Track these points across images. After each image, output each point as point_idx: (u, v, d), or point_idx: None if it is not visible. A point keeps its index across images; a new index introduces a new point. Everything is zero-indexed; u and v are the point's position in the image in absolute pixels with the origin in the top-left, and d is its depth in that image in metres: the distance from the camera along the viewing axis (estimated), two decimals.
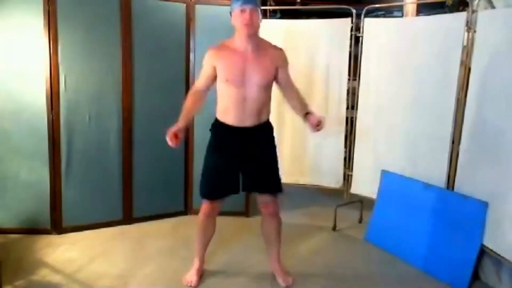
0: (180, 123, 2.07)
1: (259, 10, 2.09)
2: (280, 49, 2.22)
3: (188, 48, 3.13)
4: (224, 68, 2.10)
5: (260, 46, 2.14)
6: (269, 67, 2.14)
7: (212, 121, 2.24)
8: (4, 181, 2.74)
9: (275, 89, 2.26)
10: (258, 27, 2.10)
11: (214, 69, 2.12)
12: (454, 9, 4.06)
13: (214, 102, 3.33)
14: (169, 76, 3.10)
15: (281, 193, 2.27)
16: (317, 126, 2.09)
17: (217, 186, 2.22)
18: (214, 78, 2.15)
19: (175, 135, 2.03)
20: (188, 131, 3.19)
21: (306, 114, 2.16)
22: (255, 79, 2.09)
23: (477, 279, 2.40)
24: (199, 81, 2.20)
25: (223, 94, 2.14)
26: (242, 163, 2.19)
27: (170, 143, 2.03)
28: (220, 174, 2.20)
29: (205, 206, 2.25)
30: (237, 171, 2.19)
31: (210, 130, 2.24)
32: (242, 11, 2.02)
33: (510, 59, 2.16)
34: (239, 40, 2.10)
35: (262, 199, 2.26)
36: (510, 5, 2.33)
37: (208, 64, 2.14)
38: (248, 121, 2.13)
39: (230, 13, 2.10)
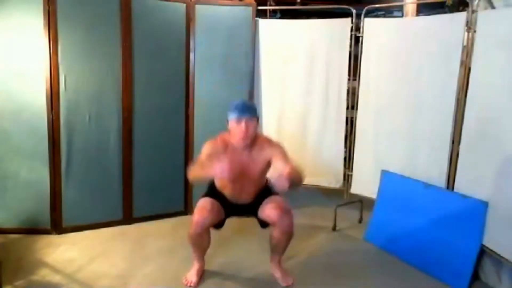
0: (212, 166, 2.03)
1: (256, 119, 2.16)
2: (276, 144, 2.23)
3: (188, 48, 3.13)
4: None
5: (256, 144, 2.19)
6: (263, 164, 2.20)
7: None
8: (4, 181, 2.74)
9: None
10: (254, 134, 2.16)
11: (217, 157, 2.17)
12: (454, 9, 4.06)
13: (214, 101, 3.33)
14: (169, 76, 3.10)
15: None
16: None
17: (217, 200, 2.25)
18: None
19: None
20: (188, 131, 3.20)
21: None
22: (250, 175, 2.20)
23: (477, 279, 2.40)
24: (203, 159, 2.15)
25: (221, 180, 2.24)
26: (240, 213, 2.34)
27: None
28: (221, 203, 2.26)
29: (198, 215, 2.15)
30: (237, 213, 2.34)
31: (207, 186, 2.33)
32: (238, 122, 2.08)
33: (510, 59, 2.16)
34: (235, 142, 2.16)
35: (272, 213, 2.20)
36: (510, 5, 2.33)
37: (207, 156, 2.15)
38: (244, 199, 2.26)
39: (227, 120, 2.15)
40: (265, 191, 2.28)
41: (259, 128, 2.28)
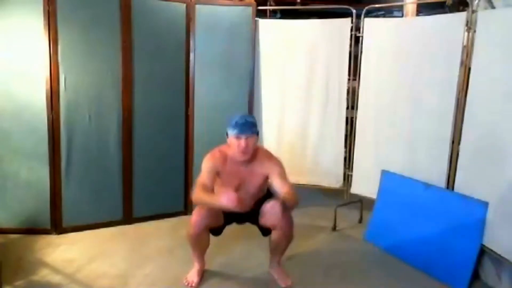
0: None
1: (256, 135, 2.16)
2: (276, 161, 2.23)
3: (188, 48, 3.13)
4: (223, 178, 2.20)
5: (255, 159, 2.20)
6: (262, 178, 2.22)
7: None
8: (4, 181, 2.74)
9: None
10: (253, 150, 2.17)
11: (217, 173, 2.19)
12: (454, 9, 4.06)
13: (214, 101, 3.34)
14: (169, 76, 3.09)
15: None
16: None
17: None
18: (218, 175, 2.21)
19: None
20: (188, 131, 3.20)
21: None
22: (248, 189, 2.21)
23: (477, 279, 2.40)
24: (207, 182, 2.14)
25: (221, 190, 2.21)
26: (240, 220, 2.34)
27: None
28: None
29: (196, 216, 2.15)
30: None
31: None
32: (238, 139, 2.09)
33: (510, 59, 2.16)
34: (234, 157, 2.17)
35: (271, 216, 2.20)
36: (510, 5, 2.32)
37: (212, 168, 2.18)
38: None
39: (227, 133, 2.15)
40: (264, 199, 2.26)
41: (259, 141, 2.28)
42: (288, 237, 2.21)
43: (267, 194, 2.29)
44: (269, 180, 2.21)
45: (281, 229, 2.16)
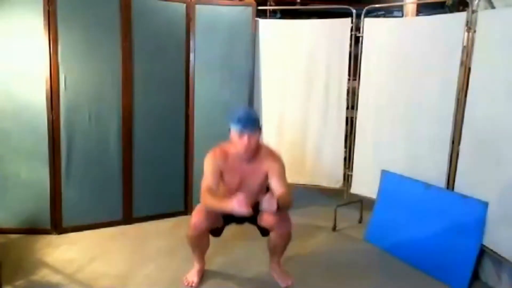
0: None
1: (259, 132, 2.15)
2: (277, 159, 2.22)
3: (188, 48, 3.13)
4: (225, 176, 2.19)
5: (257, 156, 2.19)
6: (263, 175, 2.20)
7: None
8: (4, 181, 2.74)
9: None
10: (256, 147, 2.15)
11: (220, 171, 2.18)
12: (454, 9, 4.07)
13: (214, 101, 3.34)
14: (169, 76, 3.09)
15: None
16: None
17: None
18: (221, 174, 2.20)
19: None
20: (188, 131, 3.20)
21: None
22: (250, 187, 2.19)
23: (477, 279, 2.40)
24: (211, 182, 2.14)
25: (222, 188, 2.21)
26: (239, 220, 2.30)
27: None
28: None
29: (196, 217, 2.15)
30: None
31: None
32: (241, 135, 2.07)
33: (510, 59, 2.16)
34: (237, 152, 2.15)
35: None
36: (510, 5, 2.33)
37: (215, 165, 2.17)
38: None
39: (229, 128, 2.13)
40: None
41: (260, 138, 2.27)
42: (285, 237, 2.21)
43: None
44: (268, 179, 2.20)
45: (278, 230, 2.16)
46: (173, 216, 3.21)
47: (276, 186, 2.15)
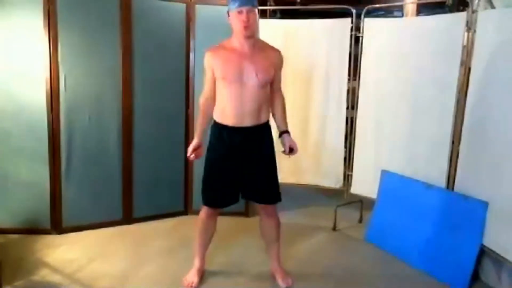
0: (198, 138, 2.17)
1: (257, 10, 2.08)
2: (278, 50, 2.21)
3: (188, 48, 3.13)
4: (221, 66, 2.09)
5: (257, 46, 2.15)
6: (267, 66, 2.12)
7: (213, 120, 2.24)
8: (4, 181, 2.74)
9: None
10: (256, 27, 2.11)
11: (213, 71, 2.12)
12: (454, 9, 4.07)
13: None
14: (169, 76, 3.09)
15: (279, 202, 2.27)
16: (291, 151, 2.19)
17: (218, 197, 2.23)
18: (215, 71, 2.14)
19: (195, 150, 2.16)
20: (188, 131, 3.20)
21: (283, 133, 2.24)
22: (252, 77, 2.07)
23: (477, 279, 2.40)
24: (206, 88, 2.18)
25: (221, 94, 2.13)
26: (242, 169, 2.18)
27: (192, 158, 2.17)
28: (220, 184, 2.20)
29: (206, 208, 2.26)
30: (237, 179, 2.20)
31: (209, 134, 2.23)
32: (239, 12, 2.02)
33: (510, 59, 2.16)
34: (237, 40, 2.11)
35: (261, 205, 2.28)
36: (510, 5, 2.32)
37: (207, 67, 2.15)
38: (247, 121, 2.11)
39: (228, 12, 2.10)
40: (267, 138, 2.25)
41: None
42: (274, 221, 2.29)
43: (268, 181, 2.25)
44: (274, 74, 2.16)
45: (267, 214, 2.28)
46: (173, 216, 3.21)
47: (276, 86, 2.22)
